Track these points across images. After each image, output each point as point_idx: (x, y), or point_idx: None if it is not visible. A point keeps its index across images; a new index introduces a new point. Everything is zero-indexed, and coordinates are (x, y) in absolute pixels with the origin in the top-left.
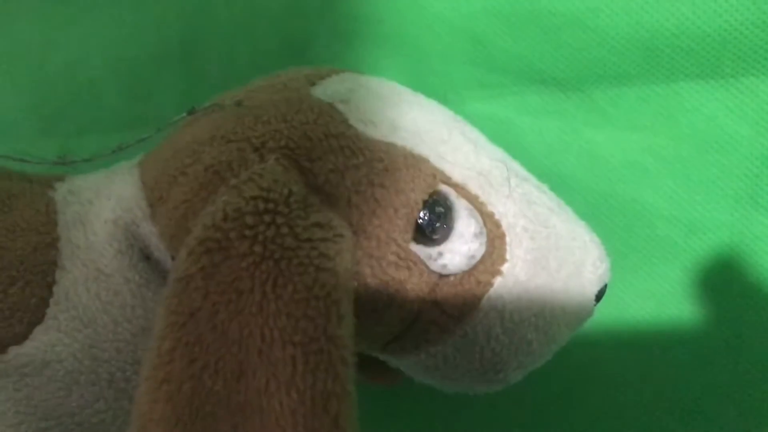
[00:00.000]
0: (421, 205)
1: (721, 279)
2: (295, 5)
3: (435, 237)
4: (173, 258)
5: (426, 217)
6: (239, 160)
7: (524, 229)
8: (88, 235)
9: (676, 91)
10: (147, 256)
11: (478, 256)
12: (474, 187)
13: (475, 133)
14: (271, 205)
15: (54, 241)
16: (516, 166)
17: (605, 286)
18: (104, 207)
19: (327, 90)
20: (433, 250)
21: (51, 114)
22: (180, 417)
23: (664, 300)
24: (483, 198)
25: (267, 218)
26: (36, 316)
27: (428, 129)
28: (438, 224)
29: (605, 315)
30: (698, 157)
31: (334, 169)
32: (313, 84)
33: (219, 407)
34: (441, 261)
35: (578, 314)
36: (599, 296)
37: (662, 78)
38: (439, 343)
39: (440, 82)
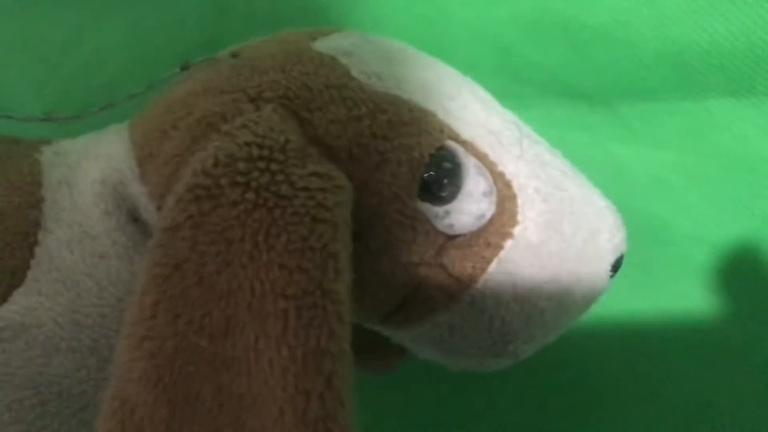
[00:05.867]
0: (427, 160)
1: (745, 300)
2: (318, 11)
3: (442, 194)
4: None
5: (433, 173)
6: (234, 111)
7: (536, 190)
8: (74, 196)
9: (706, 108)
10: (135, 218)
11: (488, 216)
12: (483, 146)
13: (486, 95)
14: (266, 152)
15: (38, 201)
16: (528, 129)
17: (621, 256)
18: (92, 167)
19: (329, 44)
20: (440, 209)
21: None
22: (161, 376)
23: (686, 318)
24: (493, 157)
25: (261, 165)
26: (16, 278)
27: (436, 84)
28: (445, 181)
29: (626, 331)
30: (726, 177)
31: (334, 120)
32: (314, 39)
33: (204, 366)
34: (448, 220)
35: (593, 285)
36: (615, 267)
37: (692, 94)
38: (446, 311)
39: None
